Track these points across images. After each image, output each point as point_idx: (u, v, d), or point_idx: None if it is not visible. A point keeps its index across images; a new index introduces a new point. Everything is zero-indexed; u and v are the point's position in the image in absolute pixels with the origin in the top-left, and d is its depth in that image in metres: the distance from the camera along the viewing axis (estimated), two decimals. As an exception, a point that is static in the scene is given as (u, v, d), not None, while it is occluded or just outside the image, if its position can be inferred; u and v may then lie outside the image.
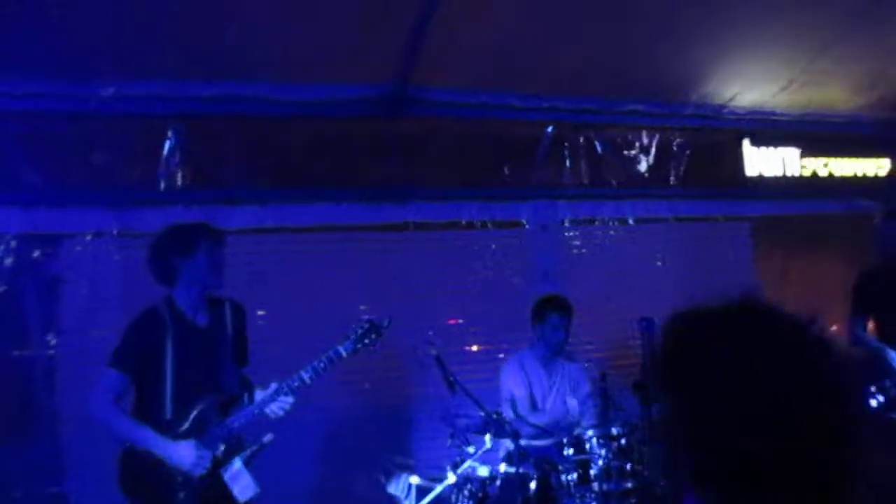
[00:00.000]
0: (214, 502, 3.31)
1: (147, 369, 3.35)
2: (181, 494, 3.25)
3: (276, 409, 3.41)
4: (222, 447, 3.34)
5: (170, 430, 3.29)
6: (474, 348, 5.50)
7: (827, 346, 1.04)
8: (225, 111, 4.83)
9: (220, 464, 3.33)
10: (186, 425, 3.32)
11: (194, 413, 3.34)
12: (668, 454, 1.07)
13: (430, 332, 4.96)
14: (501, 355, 5.14)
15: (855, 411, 1.02)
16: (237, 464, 3.35)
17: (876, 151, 6.51)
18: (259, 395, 3.45)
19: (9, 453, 4.35)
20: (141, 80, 4.52)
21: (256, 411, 3.40)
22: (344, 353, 3.50)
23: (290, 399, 3.41)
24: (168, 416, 3.32)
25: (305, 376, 3.41)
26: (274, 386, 3.42)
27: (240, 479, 3.33)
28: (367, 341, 3.55)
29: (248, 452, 3.39)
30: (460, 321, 5.51)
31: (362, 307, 5.17)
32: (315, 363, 3.43)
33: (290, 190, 5.09)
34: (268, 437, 3.37)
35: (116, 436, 3.37)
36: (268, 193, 5.03)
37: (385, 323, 3.63)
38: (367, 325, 3.58)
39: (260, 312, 4.91)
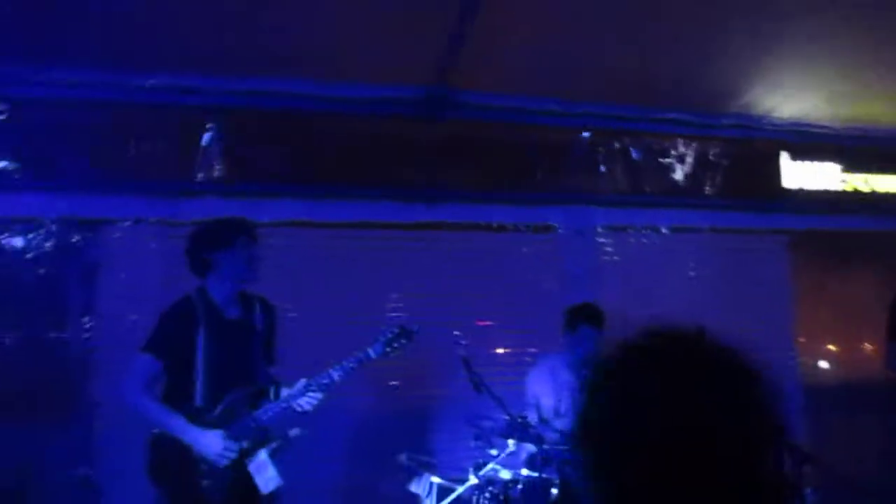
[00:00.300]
0: (238, 492, 3.34)
1: (179, 357, 3.41)
2: (205, 483, 3.30)
3: (304, 404, 3.44)
4: (249, 438, 3.38)
5: (198, 418, 3.35)
6: (502, 351, 5.50)
7: (755, 381, 1.03)
8: (264, 106, 4.90)
9: (245, 455, 3.37)
10: (215, 414, 3.37)
11: (223, 403, 3.39)
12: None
13: (457, 333, 4.97)
14: (529, 359, 5.12)
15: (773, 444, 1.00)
16: (262, 456, 3.39)
17: (919, 169, 6.38)
18: (285, 392, 3.49)
19: (42, 435, 4.45)
20: (182, 72, 4.61)
21: (285, 405, 3.44)
22: (373, 356, 3.54)
23: (319, 395, 3.44)
24: (198, 404, 3.37)
25: (335, 374, 3.45)
26: (303, 381, 3.46)
27: (264, 470, 3.37)
28: (396, 345, 3.59)
29: (274, 445, 3.43)
30: (489, 323, 5.51)
31: (391, 305, 5.21)
32: (345, 362, 3.47)
33: (324, 186, 5.14)
34: (294, 432, 3.42)
35: (146, 420, 3.43)
36: (303, 188, 5.09)
37: (415, 328, 3.66)
38: (397, 330, 3.62)
39: (290, 306, 4.96)
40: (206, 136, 4.91)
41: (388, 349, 3.56)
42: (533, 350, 5.30)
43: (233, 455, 3.31)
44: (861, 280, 6.31)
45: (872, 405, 5.64)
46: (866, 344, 6.48)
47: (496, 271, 5.53)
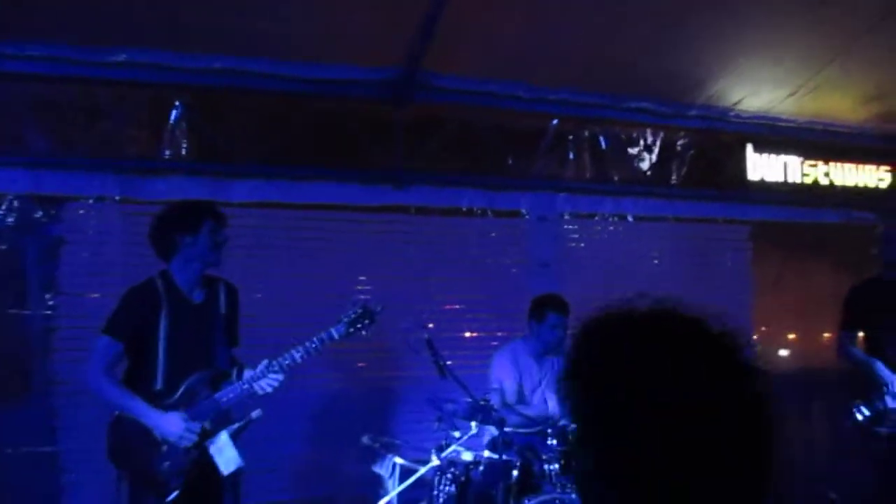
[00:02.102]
0: (199, 474, 3.35)
1: (140, 340, 3.40)
2: (166, 464, 3.30)
3: (265, 385, 3.45)
4: (209, 420, 3.39)
5: (159, 400, 3.35)
6: (469, 334, 5.55)
7: (735, 350, 1.05)
8: (233, 85, 4.85)
9: (206, 436, 3.38)
10: (175, 397, 3.37)
11: (184, 386, 3.39)
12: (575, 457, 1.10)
13: (423, 316, 5.01)
14: (495, 343, 5.18)
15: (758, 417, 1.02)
16: (223, 437, 3.40)
17: (878, 163, 6.53)
18: (248, 374, 3.49)
19: (2, 413, 4.41)
20: (150, 49, 4.54)
21: (246, 387, 3.45)
22: (336, 336, 3.54)
23: (280, 376, 3.45)
24: (158, 387, 3.37)
25: (297, 355, 3.46)
26: (265, 362, 3.46)
27: (225, 452, 3.38)
28: (359, 325, 3.59)
29: (234, 427, 3.43)
30: (457, 307, 5.56)
31: (359, 287, 5.23)
32: (307, 343, 3.47)
33: (293, 167, 5.13)
34: (255, 413, 3.41)
35: (106, 403, 3.43)
36: (272, 169, 5.06)
37: (378, 308, 3.66)
38: (360, 310, 3.61)
39: (257, 286, 4.96)
40: (174, 114, 4.86)
41: (350, 329, 3.57)
42: (500, 334, 5.36)
43: (193, 437, 3.32)
44: (819, 271, 6.46)
45: (826, 392, 5.80)
46: (822, 333, 6.64)
47: (463, 255, 5.58)
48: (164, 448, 3.32)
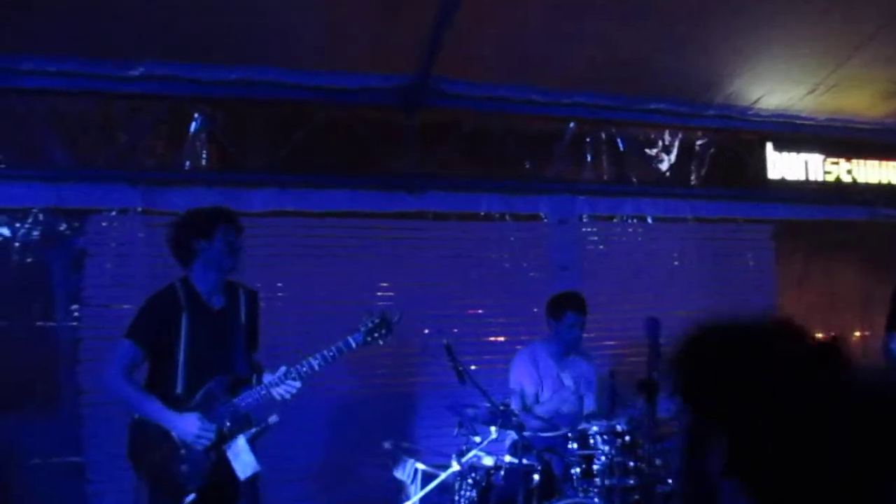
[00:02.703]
0: (216, 477, 3.38)
1: (161, 345, 3.45)
2: (183, 467, 3.34)
3: (282, 391, 3.48)
4: (227, 424, 3.42)
5: (178, 404, 3.39)
6: (491, 339, 5.55)
7: (846, 367, 1.06)
8: (249, 95, 4.91)
9: (223, 440, 3.41)
10: (195, 401, 3.41)
11: (203, 390, 3.43)
12: (690, 461, 1.10)
13: (443, 322, 5.03)
14: (519, 346, 5.18)
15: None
16: (241, 441, 3.42)
17: (901, 159, 6.43)
18: (267, 378, 3.53)
19: (29, 422, 4.48)
20: (168, 61, 4.61)
21: (263, 392, 3.48)
22: (353, 345, 3.56)
23: (298, 384, 3.47)
24: (178, 391, 3.42)
25: (315, 363, 3.48)
26: (283, 369, 3.49)
27: (242, 456, 3.40)
28: (376, 335, 3.60)
29: (252, 431, 3.45)
30: (478, 311, 5.57)
31: (378, 294, 5.26)
32: (325, 351, 3.50)
33: (310, 175, 5.16)
34: (273, 419, 3.44)
35: (126, 405, 3.48)
36: (289, 178, 5.10)
37: (395, 318, 3.67)
38: (378, 320, 3.62)
39: (277, 294, 5.01)
40: (193, 126, 4.93)
41: (368, 338, 3.58)
42: (523, 337, 5.34)
43: (209, 438, 3.35)
44: (844, 269, 6.39)
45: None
46: (849, 332, 6.55)
47: (483, 260, 5.58)
48: (183, 451, 3.35)
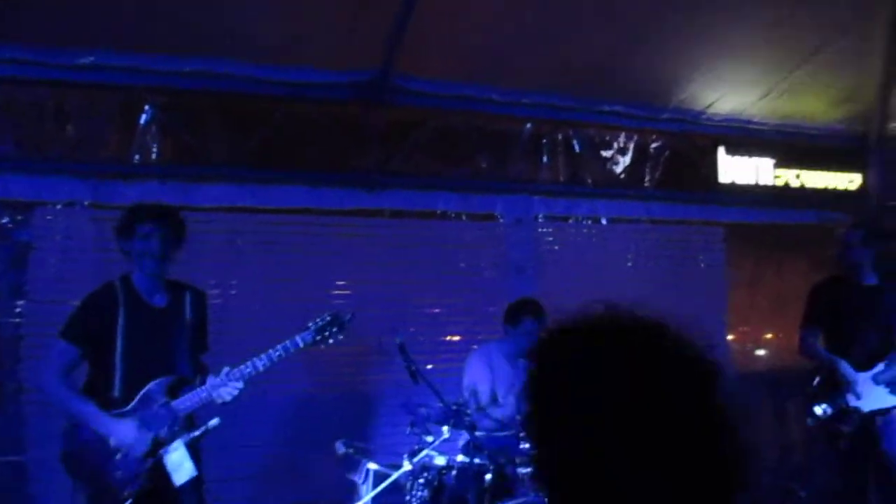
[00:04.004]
0: (153, 483, 3.28)
1: (98, 345, 3.35)
2: (118, 473, 3.23)
3: (224, 394, 3.38)
4: (165, 428, 3.33)
5: (115, 407, 3.30)
6: (447, 338, 5.55)
7: (689, 350, 1.06)
8: (204, 87, 4.81)
9: (160, 445, 3.31)
10: (132, 404, 3.31)
11: (142, 392, 3.33)
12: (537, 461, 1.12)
13: (399, 321, 5.01)
14: (474, 346, 5.18)
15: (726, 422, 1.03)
16: (178, 446, 3.32)
17: (848, 165, 6.61)
18: (211, 380, 3.43)
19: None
20: (121, 51, 4.50)
21: (204, 395, 3.38)
22: (301, 344, 3.47)
23: (240, 385, 3.38)
24: (115, 393, 3.32)
25: (259, 364, 3.39)
26: (226, 370, 3.40)
27: (178, 461, 3.30)
28: (327, 333, 3.53)
29: (191, 436, 3.35)
30: (435, 310, 5.56)
31: (335, 292, 5.22)
32: (271, 351, 3.41)
33: (267, 170, 5.08)
34: (213, 422, 3.34)
35: (61, 409, 3.38)
36: (245, 172, 5.02)
37: (348, 317, 3.61)
38: (329, 318, 3.56)
39: (230, 292, 4.94)
40: (144, 118, 4.81)
41: (318, 337, 3.52)
42: (480, 336, 5.34)
43: (146, 445, 3.27)
44: (793, 271, 6.53)
45: (802, 389, 5.87)
46: (797, 332, 6.71)
47: (440, 259, 5.57)
48: (118, 456, 3.25)
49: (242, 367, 3.40)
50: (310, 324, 3.54)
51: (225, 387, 3.38)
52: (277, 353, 3.42)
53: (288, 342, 3.45)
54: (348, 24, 4.51)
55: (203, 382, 3.44)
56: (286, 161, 5.14)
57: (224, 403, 3.40)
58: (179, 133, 4.90)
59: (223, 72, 4.79)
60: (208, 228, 4.86)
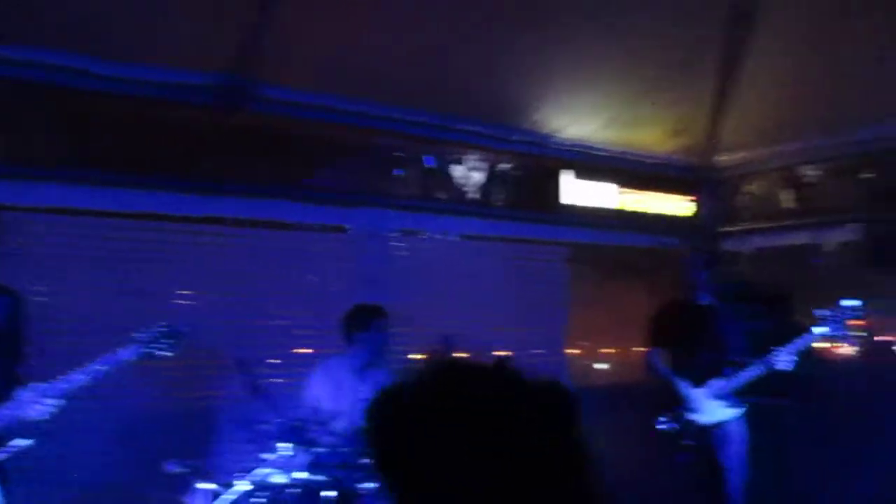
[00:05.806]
0: None
1: None
2: None
3: (34, 413, 3.10)
4: None
5: None
6: (295, 351, 5.42)
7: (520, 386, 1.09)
8: (34, 79, 4.47)
9: None
10: None
11: None
12: None
13: (244, 333, 4.85)
14: (318, 361, 5.08)
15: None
16: None
17: (682, 193, 7.09)
18: (24, 395, 3.13)
19: None
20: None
21: (9, 413, 3.09)
22: (125, 358, 3.27)
23: (55, 402, 3.13)
24: None
25: (79, 379, 3.16)
26: (42, 386, 3.13)
27: None
28: (158, 346, 3.35)
29: None
30: (282, 323, 5.41)
31: (176, 302, 4.97)
32: (94, 364, 3.19)
33: (100, 172, 4.76)
34: (19, 443, 3.06)
35: None
36: (75, 173, 4.68)
37: (184, 329, 3.45)
38: (162, 329, 3.38)
39: (58, 299, 4.59)
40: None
41: (146, 350, 3.32)
42: (328, 350, 5.24)
43: None
44: (631, 291, 6.88)
45: (636, 406, 6.18)
46: (634, 348, 7.08)
47: (288, 270, 5.45)
48: None
49: (57, 382, 3.13)
50: (136, 335, 3.32)
51: (37, 404, 3.09)
52: (98, 368, 3.18)
53: (110, 355, 3.22)
54: (203, 23, 4.36)
55: (10, 397, 3.12)
56: (124, 163, 4.84)
57: (38, 422, 3.11)
58: (7, 128, 4.50)
59: (56, 63, 4.48)
60: (36, 231, 4.52)
